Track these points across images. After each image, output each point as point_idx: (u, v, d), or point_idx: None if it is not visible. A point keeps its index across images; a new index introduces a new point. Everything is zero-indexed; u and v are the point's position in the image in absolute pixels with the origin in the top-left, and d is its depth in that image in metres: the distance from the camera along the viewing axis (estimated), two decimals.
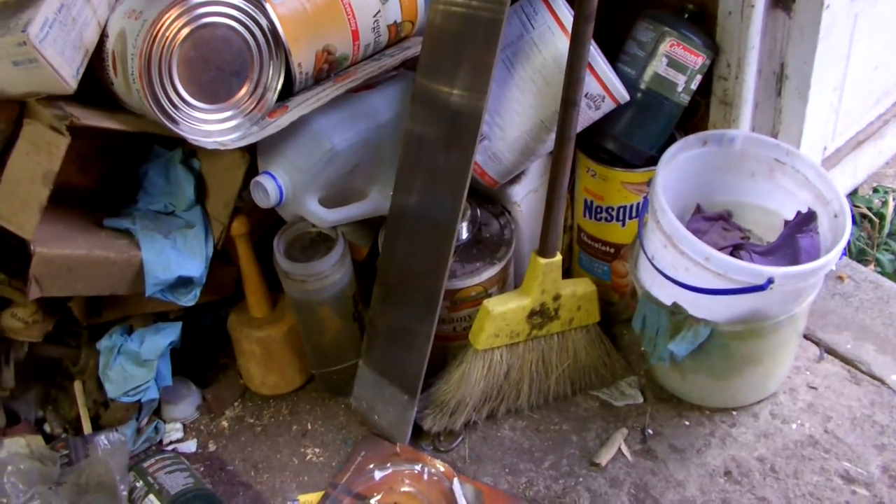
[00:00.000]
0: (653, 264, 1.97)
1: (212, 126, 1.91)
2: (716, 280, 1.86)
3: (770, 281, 1.82)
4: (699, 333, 1.94)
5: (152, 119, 1.87)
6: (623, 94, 2.00)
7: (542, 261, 2.00)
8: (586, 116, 2.00)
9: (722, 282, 1.86)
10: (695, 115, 2.18)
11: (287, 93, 1.99)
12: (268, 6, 1.91)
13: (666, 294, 1.97)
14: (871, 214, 2.59)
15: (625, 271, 2.23)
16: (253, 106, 1.94)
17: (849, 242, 2.49)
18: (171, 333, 2.14)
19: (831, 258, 1.87)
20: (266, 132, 1.91)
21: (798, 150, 2.06)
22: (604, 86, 1.96)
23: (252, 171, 2.01)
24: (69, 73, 1.83)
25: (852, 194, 2.62)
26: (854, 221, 2.52)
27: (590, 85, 1.93)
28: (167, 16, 1.81)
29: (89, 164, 2.10)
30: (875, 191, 2.66)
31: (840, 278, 2.37)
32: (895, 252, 2.52)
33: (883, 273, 2.47)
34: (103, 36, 1.90)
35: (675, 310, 1.95)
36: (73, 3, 1.82)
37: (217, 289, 2.21)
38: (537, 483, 2.04)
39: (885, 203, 2.61)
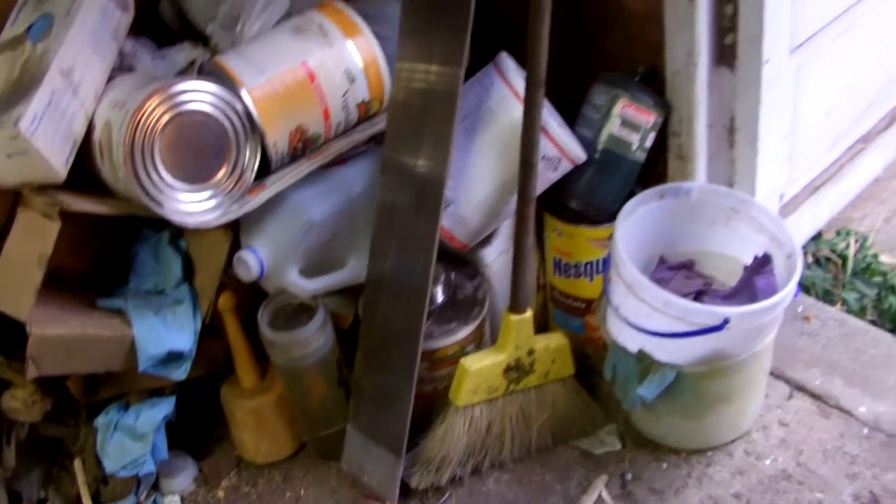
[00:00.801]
0: (618, 314, 2.07)
1: (194, 206, 2.02)
2: (676, 324, 1.96)
3: (726, 321, 1.92)
4: (665, 376, 2.03)
5: (139, 202, 1.97)
6: (579, 155, 2.11)
7: (514, 317, 2.10)
8: (545, 177, 2.11)
9: (682, 325, 1.95)
10: (655, 171, 2.29)
11: (264, 171, 2.10)
12: (242, 91, 2.03)
13: (632, 341, 2.06)
14: (834, 256, 2.68)
15: (597, 324, 2.31)
16: (232, 185, 2.05)
17: (814, 284, 2.59)
18: (165, 407, 2.23)
19: (784, 296, 1.97)
20: (245, 209, 2.02)
21: (750, 198, 2.17)
22: (559, 147, 2.07)
23: (236, 247, 2.12)
24: (59, 163, 1.94)
25: (816, 238, 2.72)
26: (819, 264, 2.62)
27: (545, 147, 2.04)
28: (148, 104, 1.92)
29: (82, 248, 2.20)
30: (838, 233, 2.76)
31: (807, 318, 2.46)
32: (860, 291, 2.61)
33: (850, 311, 2.55)
34: (91, 126, 2.02)
35: (642, 356, 2.04)
36: (61, 97, 1.94)
37: (209, 362, 2.30)
38: None
39: (848, 245, 2.70)
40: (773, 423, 2.24)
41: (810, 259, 2.69)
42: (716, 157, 2.26)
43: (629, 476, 2.18)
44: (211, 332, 2.25)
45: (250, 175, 2.06)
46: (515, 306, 2.10)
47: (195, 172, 2.01)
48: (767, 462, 2.17)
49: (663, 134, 2.22)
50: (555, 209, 2.28)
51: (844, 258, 2.68)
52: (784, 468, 2.15)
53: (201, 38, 2.29)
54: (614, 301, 2.08)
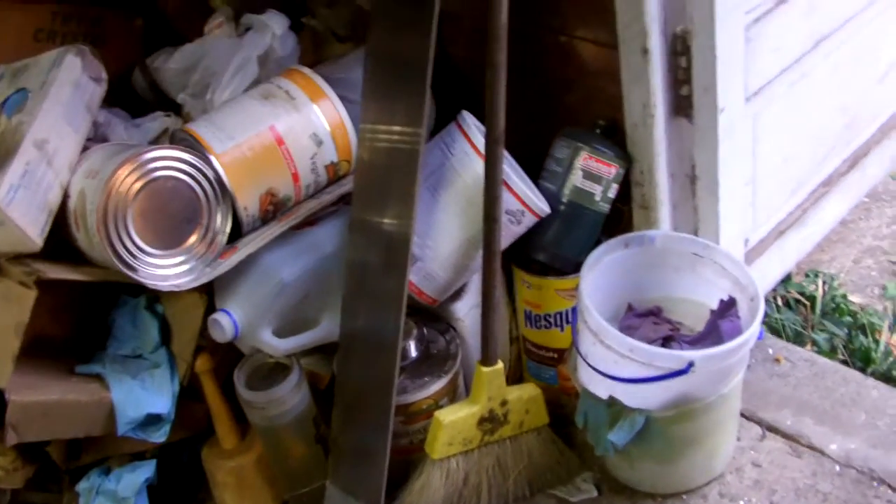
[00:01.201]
0: (587, 362, 2.11)
1: (167, 270, 2.06)
2: (642, 369, 2.00)
3: (691, 364, 1.96)
4: (635, 422, 2.06)
5: (114, 269, 2.02)
6: (542, 208, 2.16)
7: (486, 369, 2.14)
8: (510, 231, 2.16)
9: (648, 370, 1.99)
10: (621, 221, 2.33)
11: (236, 234, 2.15)
12: (212, 157, 2.08)
13: (602, 388, 2.10)
14: (803, 298, 2.73)
15: (569, 373, 2.35)
16: (205, 249, 2.09)
17: (784, 326, 2.63)
18: (146, 471, 2.25)
19: (747, 338, 2.01)
20: (217, 272, 2.06)
21: (713, 244, 2.21)
22: (521, 201, 2.12)
23: (211, 309, 2.16)
24: (35, 232, 1.99)
25: (786, 281, 2.76)
26: (789, 306, 2.67)
27: (508, 202, 2.09)
28: (120, 172, 1.97)
29: (61, 315, 2.23)
30: (807, 276, 2.80)
31: (777, 360, 2.50)
32: (830, 331, 2.65)
33: (820, 352, 2.59)
34: (66, 196, 2.07)
35: (612, 402, 2.08)
36: (36, 169, 2.00)
37: (190, 425, 2.33)
38: None
39: (817, 287, 2.75)
40: (746, 465, 2.27)
41: (780, 302, 2.73)
42: (680, 206, 2.31)
43: None
44: (191, 394, 2.28)
45: (222, 238, 2.11)
46: (486, 358, 2.14)
47: (168, 237, 2.06)
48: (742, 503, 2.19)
49: (627, 185, 2.27)
50: (522, 262, 2.33)
51: (813, 300, 2.72)
52: None
53: (173, 107, 2.35)
54: (583, 350, 2.12)
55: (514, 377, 2.50)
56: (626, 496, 2.26)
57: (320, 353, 2.33)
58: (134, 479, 2.24)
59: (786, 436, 2.32)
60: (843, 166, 2.72)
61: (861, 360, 2.59)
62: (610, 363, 2.04)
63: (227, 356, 2.31)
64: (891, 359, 2.59)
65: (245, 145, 2.11)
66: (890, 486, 2.17)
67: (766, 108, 2.31)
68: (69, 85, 2.13)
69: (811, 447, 2.28)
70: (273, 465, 2.29)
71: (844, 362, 2.60)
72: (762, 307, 2.05)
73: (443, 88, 2.33)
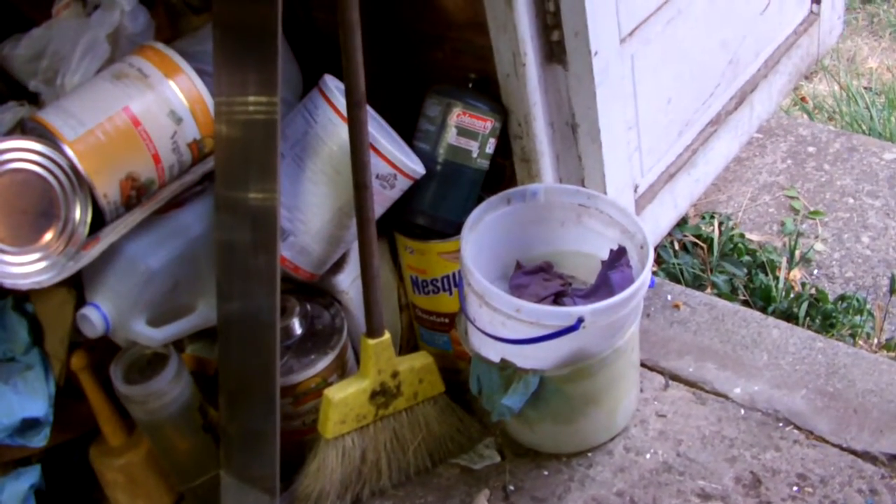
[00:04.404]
0: (475, 326, 2.04)
1: (26, 268, 1.95)
2: (531, 329, 1.93)
3: (580, 320, 1.90)
4: (529, 383, 2.00)
5: None
6: (415, 170, 2.08)
7: (372, 342, 2.06)
8: (384, 196, 2.08)
9: (537, 329, 1.93)
10: (503, 177, 2.27)
11: (100, 224, 2.05)
12: (64, 146, 1.97)
13: (493, 351, 2.03)
14: (700, 241, 2.68)
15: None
16: (65, 243, 1.98)
17: (683, 271, 2.58)
18: (30, 477, 2.16)
19: (636, 288, 1.96)
20: (80, 265, 1.96)
21: (597, 193, 2.15)
22: (392, 164, 2.04)
23: (81, 304, 2.06)
24: None
25: (680, 224, 2.72)
26: (687, 250, 2.62)
27: (378, 166, 2.01)
28: None
29: None
30: (703, 217, 2.76)
31: (676, 306, 2.45)
32: (729, 272, 2.61)
33: (720, 294, 2.55)
34: None
35: (504, 365, 2.01)
36: None
37: (73, 426, 2.24)
38: None
39: (713, 228, 2.71)
40: (650, 416, 2.23)
41: (677, 247, 2.69)
42: (563, 156, 2.25)
43: (511, 487, 2.16)
44: (73, 393, 2.18)
45: (83, 230, 2.01)
46: (371, 331, 2.07)
47: (24, 234, 1.95)
48: (647, 456, 2.15)
49: (505, 139, 2.20)
50: (403, 227, 2.25)
51: (711, 241, 2.68)
52: (665, 460, 2.13)
53: (28, 96, 2.24)
54: (470, 313, 2.06)
55: (408, 346, 2.44)
56: (530, 459, 2.21)
57: (206, 339, 2.24)
58: (17, 486, 2.14)
59: (689, 383, 2.29)
60: (731, 104, 2.68)
61: (762, 300, 2.56)
62: (498, 325, 1.98)
63: (107, 351, 2.21)
64: (791, 296, 2.56)
65: (98, 130, 2.00)
66: (795, 426, 2.15)
67: (643, 49, 2.25)
68: None
69: (715, 393, 2.25)
70: (162, 459, 2.21)
71: (745, 303, 2.57)
72: (651, 254, 2.00)
73: (309, 55, 2.24)
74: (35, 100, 2.24)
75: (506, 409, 2.03)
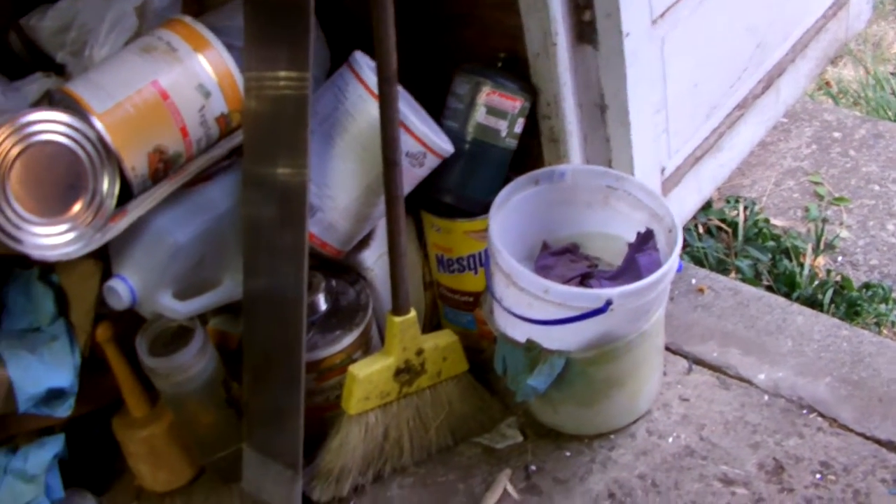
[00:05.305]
0: (502, 305, 2.04)
1: (54, 239, 1.95)
2: (558, 310, 1.93)
3: (609, 303, 1.89)
4: (555, 365, 2.00)
5: None
6: (444, 148, 2.08)
7: (397, 319, 2.06)
8: (412, 174, 2.07)
9: (564, 311, 1.93)
10: (531, 157, 2.26)
11: (127, 196, 2.04)
12: (93, 118, 1.96)
13: (519, 332, 2.03)
14: (724, 225, 2.67)
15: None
16: (93, 215, 1.98)
17: (707, 255, 2.57)
18: (55, 446, 2.17)
19: (664, 272, 1.95)
20: (107, 237, 1.96)
21: (625, 175, 2.15)
22: (422, 142, 2.03)
23: (107, 276, 2.06)
24: None
25: (705, 208, 2.71)
26: (711, 234, 2.61)
27: (407, 143, 2.01)
28: None
29: None
30: (727, 202, 2.75)
31: (700, 290, 2.44)
32: (753, 257, 2.60)
33: (744, 279, 2.54)
34: None
35: (530, 346, 2.01)
36: None
37: (98, 396, 2.24)
38: None
39: (738, 212, 2.70)
40: (673, 400, 2.22)
41: (701, 230, 2.68)
42: (591, 137, 2.24)
43: (533, 468, 2.16)
44: (98, 365, 2.19)
45: (111, 202, 2.00)
46: (397, 308, 2.07)
47: (52, 205, 1.95)
48: (670, 440, 2.15)
49: (534, 118, 2.19)
50: (430, 205, 2.25)
51: (735, 226, 2.67)
52: (687, 444, 2.13)
53: (55, 68, 2.23)
54: (497, 293, 2.05)
55: (431, 324, 2.44)
56: (552, 439, 2.21)
57: (229, 313, 2.25)
58: (42, 455, 2.15)
59: (713, 368, 2.28)
60: (758, 88, 2.66)
61: (786, 286, 2.55)
62: (525, 306, 1.97)
63: (132, 323, 2.21)
64: (816, 282, 2.55)
65: (127, 103, 1.99)
66: (819, 413, 2.14)
67: (673, 31, 2.24)
68: None
69: (739, 378, 2.24)
70: (185, 432, 2.21)
71: (769, 288, 2.56)
72: (680, 238, 1.99)
73: (335, 32, 2.23)
74: (61, 71, 2.24)
75: (531, 390, 2.02)
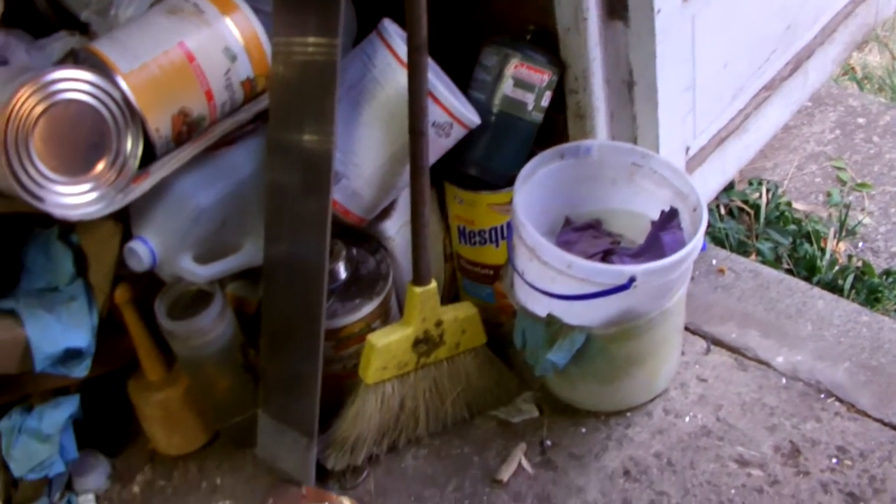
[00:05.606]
0: (524, 279, 2.03)
1: (76, 199, 1.94)
2: (581, 286, 1.92)
3: (632, 279, 1.88)
4: (575, 340, 1.99)
5: (20, 199, 1.90)
6: (471, 119, 2.06)
7: (418, 289, 2.05)
8: (439, 145, 2.06)
9: (587, 286, 1.91)
10: (556, 132, 2.24)
11: (150, 158, 2.03)
12: (118, 78, 1.95)
13: (540, 306, 2.02)
14: (746, 207, 2.66)
15: (505, 291, 2.27)
16: (115, 175, 1.97)
17: (728, 236, 2.56)
18: (69, 406, 2.17)
19: (689, 251, 1.94)
20: (129, 198, 1.95)
21: (652, 152, 2.13)
22: (449, 113, 2.02)
23: (128, 237, 2.05)
24: None
25: (728, 189, 2.69)
26: (733, 215, 2.60)
27: (435, 113, 1.99)
28: (19, 95, 1.84)
29: None
30: (750, 183, 2.73)
31: (720, 271, 2.43)
32: (774, 240, 2.59)
33: (765, 262, 2.53)
34: None
35: (550, 320, 2.00)
36: None
37: (114, 358, 2.24)
38: None
39: (760, 195, 2.68)
40: (691, 380, 2.21)
41: (723, 211, 2.66)
42: (617, 114, 2.23)
43: (548, 443, 2.15)
44: (115, 327, 2.18)
45: (134, 163, 1.99)
46: (418, 278, 2.06)
47: (75, 164, 1.94)
48: (687, 419, 2.14)
49: (561, 93, 2.18)
50: (454, 177, 2.24)
51: (757, 208, 2.65)
52: (704, 424, 2.12)
53: (79, 26, 2.22)
54: (519, 266, 2.04)
55: (449, 296, 2.43)
56: (569, 415, 2.20)
57: (247, 279, 2.24)
58: (57, 415, 2.16)
59: (731, 349, 2.27)
60: (786, 70, 2.64)
61: (806, 270, 2.54)
62: (547, 280, 1.96)
63: (151, 285, 2.20)
64: (836, 267, 2.54)
65: (153, 64, 1.98)
66: (837, 398, 2.13)
67: (704, 10, 2.21)
68: None
69: (757, 360, 2.24)
70: (201, 396, 2.21)
71: (789, 271, 2.55)
72: (705, 217, 1.98)
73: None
74: (85, 30, 2.22)
75: (550, 365, 2.02)
